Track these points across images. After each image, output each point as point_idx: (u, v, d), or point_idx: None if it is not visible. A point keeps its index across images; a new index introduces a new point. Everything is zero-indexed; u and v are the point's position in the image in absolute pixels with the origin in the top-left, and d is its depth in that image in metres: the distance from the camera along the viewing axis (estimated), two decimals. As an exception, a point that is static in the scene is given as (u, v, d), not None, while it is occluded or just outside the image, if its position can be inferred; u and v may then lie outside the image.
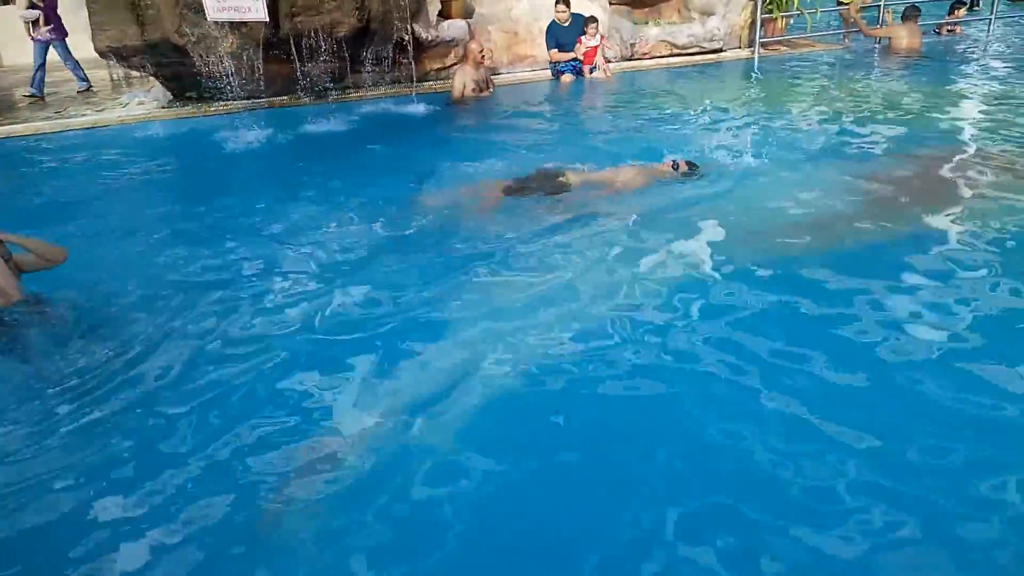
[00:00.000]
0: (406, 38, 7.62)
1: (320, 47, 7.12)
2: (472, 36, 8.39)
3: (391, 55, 7.82)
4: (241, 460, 2.22)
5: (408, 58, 7.81)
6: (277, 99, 7.76)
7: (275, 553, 1.89)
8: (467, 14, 8.73)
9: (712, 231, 3.84)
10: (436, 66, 8.62)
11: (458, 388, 2.52)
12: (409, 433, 2.30)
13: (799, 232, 3.78)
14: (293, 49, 7.13)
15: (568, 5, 8.45)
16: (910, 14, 9.74)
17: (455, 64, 8.61)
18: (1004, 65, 8.39)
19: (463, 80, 7.64)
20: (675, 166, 4.59)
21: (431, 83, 8.59)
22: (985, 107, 6.47)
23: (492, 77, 8.27)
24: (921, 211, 4.02)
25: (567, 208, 4.23)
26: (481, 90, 7.82)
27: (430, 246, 3.84)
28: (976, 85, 7.43)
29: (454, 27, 8.35)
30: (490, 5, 9.01)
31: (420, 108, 7.62)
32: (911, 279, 3.17)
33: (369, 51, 7.65)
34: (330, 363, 2.73)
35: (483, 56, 7.89)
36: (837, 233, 3.77)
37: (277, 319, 3.10)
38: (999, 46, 9.77)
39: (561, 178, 4.53)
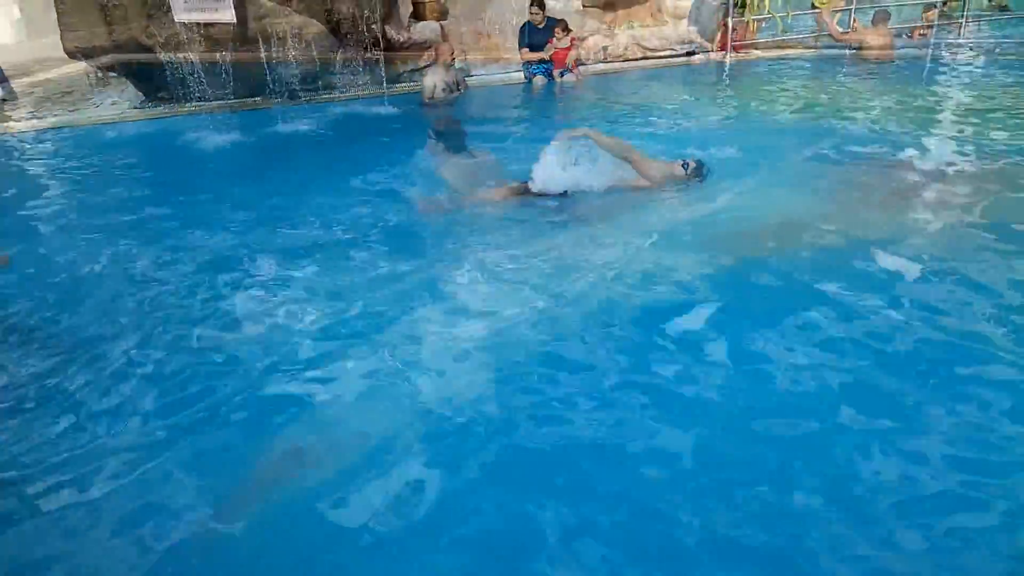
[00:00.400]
0: (378, 40, 7.69)
1: (289, 49, 7.17)
2: (444, 37, 8.46)
3: (363, 56, 7.87)
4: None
5: (380, 59, 7.87)
6: (248, 100, 7.79)
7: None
8: (441, 16, 8.80)
9: (688, 234, 3.86)
10: (409, 68, 8.67)
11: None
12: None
13: (771, 236, 3.82)
14: (262, 51, 7.18)
15: (542, 7, 8.54)
16: (880, 18, 9.87)
17: (427, 66, 8.68)
18: (973, 69, 8.53)
19: (434, 81, 7.71)
20: (684, 166, 4.48)
21: (404, 84, 8.65)
22: (950, 114, 6.58)
23: (465, 78, 8.35)
24: (885, 218, 4.06)
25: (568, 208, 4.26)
26: (452, 91, 7.88)
27: (421, 249, 3.87)
28: (942, 90, 7.55)
29: (427, 29, 8.42)
30: (464, 7, 9.08)
31: (392, 109, 7.68)
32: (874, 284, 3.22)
33: (340, 53, 7.70)
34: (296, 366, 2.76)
35: (453, 57, 7.96)
36: (802, 239, 3.78)
37: (234, 320, 3.13)
38: (969, 51, 9.91)
39: None
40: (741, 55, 9.63)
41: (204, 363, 2.76)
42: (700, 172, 4.50)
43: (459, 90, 7.98)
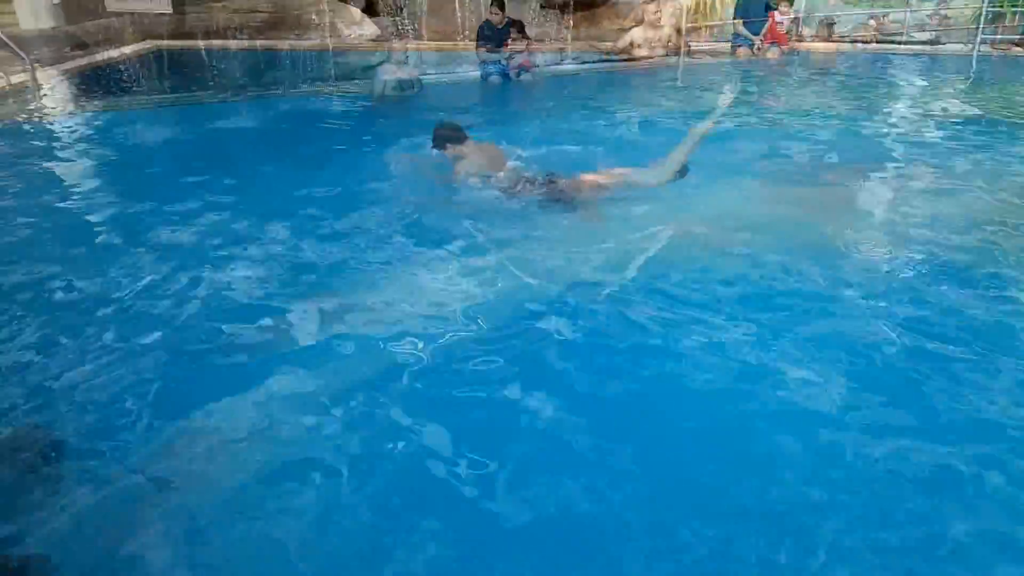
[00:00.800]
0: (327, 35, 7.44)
1: (232, 41, 6.86)
2: (399, 35, 8.26)
3: (313, 52, 7.61)
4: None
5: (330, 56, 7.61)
6: (189, 95, 7.44)
7: None
8: (396, 11, 8.59)
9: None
10: (361, 64, 8.43)
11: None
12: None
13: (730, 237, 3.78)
14: (202, 43, 6.86)
15: (502, 8, 8.46)
16: (824, 25, 10.08)
17: (380, 63, 8.45)
18: (910, 76, 8.72)
19: (384, 79, 7.50)
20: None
21: (355, 81, 8.40)
22: (891, 118, 6.70)
23: (420, 77, 8.16)
24: (826, 220, 4.06)
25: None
26: (404, 89, 7.68)
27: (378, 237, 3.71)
28: (883, 95, 7.72)
29: (379, 24, 8.20)
30: (419, 4, 8.89)
31: (340, 106, 7.46)
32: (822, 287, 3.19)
33: (288, 46, 7.42)
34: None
35: (407, 56, 7.78)
36: (752, 240, 3.75)
37: (164, 310, 2.92)
38: (907, 58, 10.12)
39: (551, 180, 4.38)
40: (696, 59, 9.67)
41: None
42: (683, 172, 4.52)
43: (414, 89, 7.78)
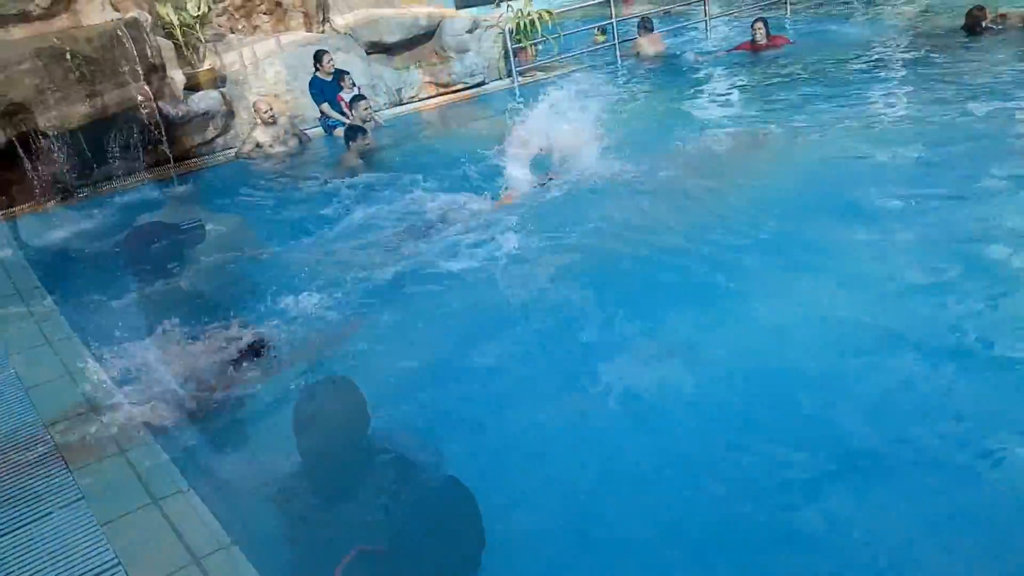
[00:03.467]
0: (154, 119, 7.19)
1: (53, 145, 6.49)
2: (225, 104, 8.16)
3: (141, 138, 7.30)
4: None
5: (161, 138, 7.34)
6: (15, 209, 6.90)
7: None
8: (218, 83, 8.42)
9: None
10: (197, 141, 8.17)
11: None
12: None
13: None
14: (21, 152, 6.44)
15: (319, 60, 8.49)
16: (645, 26, 10.83)
17: (217, 136, 8.27)
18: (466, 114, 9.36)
19: (255, 140, 7.86)
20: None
21: (196, 159, 8.14)
22: (715, 102, 7.40)
23: (304, 130, 8.50)
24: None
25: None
26: (285, 144, 7.98)
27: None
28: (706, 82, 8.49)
29: (206, 99, 8.01)
30: (242, 71, 8.75)
31: (184, 188, 7.27)
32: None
33: (114, 139, 7.09)
34: None
35: (268, 113, 7.88)
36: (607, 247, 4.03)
37: None
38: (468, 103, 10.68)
39: None
40: (528, 78, 10.12)
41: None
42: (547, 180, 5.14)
43: (301, 143, 8.21)
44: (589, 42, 11.64)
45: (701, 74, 9.25)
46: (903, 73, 7.63)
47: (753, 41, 9.75)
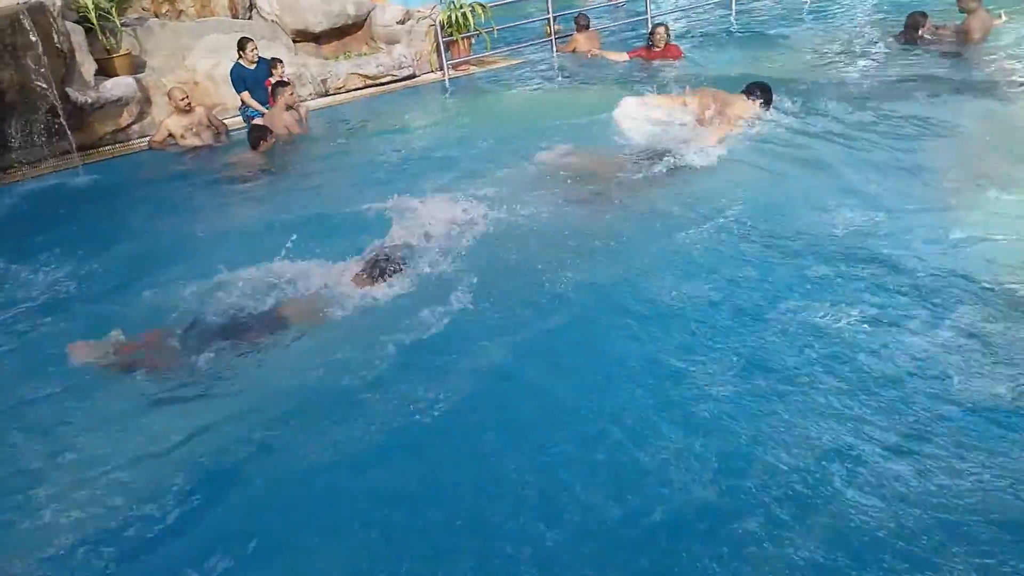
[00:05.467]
0: (58, 104, 7.07)
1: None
2: (142, 90, 8.03)
3: (45, 125, 7.18)
4: None
5: (65, 125, 7.22)
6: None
7: None
8: (135, 69, 8.29)
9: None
10: (110, 129, 8.04)
11: None
12: None
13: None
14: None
15: (244, 48, 8.31)
16: (582, 23, 10.84)
17: (132, 124, 8.15)
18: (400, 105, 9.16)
19: (167, 128, 7.73)
20: None
21: (108, 148, 8.03)
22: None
23: (224, 121, 8.32)
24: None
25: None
26: (199, 135, 7.80)
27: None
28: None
29: (119, 85, 7.87)
30: (163, 57, 8.63)
31: (92, 178, 7.17)
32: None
33: (13, 125, 6.97)
34: None
35: (185, 101, 7.71)
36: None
37: None
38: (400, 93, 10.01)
39: None
40: (460, 72, 10.10)
41: None
42: None
43: (219, 134, 8.06)
44: (534, 35, 11.65)
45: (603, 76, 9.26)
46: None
47: (649, 47, 9.54)
